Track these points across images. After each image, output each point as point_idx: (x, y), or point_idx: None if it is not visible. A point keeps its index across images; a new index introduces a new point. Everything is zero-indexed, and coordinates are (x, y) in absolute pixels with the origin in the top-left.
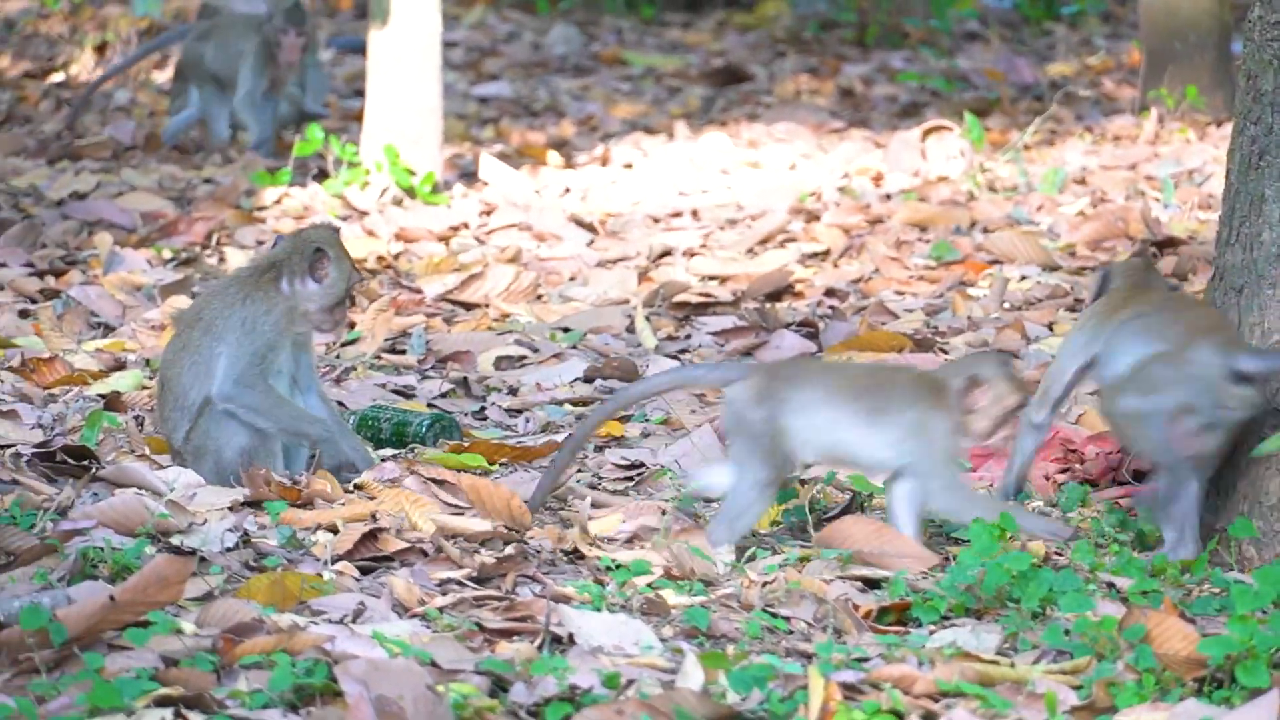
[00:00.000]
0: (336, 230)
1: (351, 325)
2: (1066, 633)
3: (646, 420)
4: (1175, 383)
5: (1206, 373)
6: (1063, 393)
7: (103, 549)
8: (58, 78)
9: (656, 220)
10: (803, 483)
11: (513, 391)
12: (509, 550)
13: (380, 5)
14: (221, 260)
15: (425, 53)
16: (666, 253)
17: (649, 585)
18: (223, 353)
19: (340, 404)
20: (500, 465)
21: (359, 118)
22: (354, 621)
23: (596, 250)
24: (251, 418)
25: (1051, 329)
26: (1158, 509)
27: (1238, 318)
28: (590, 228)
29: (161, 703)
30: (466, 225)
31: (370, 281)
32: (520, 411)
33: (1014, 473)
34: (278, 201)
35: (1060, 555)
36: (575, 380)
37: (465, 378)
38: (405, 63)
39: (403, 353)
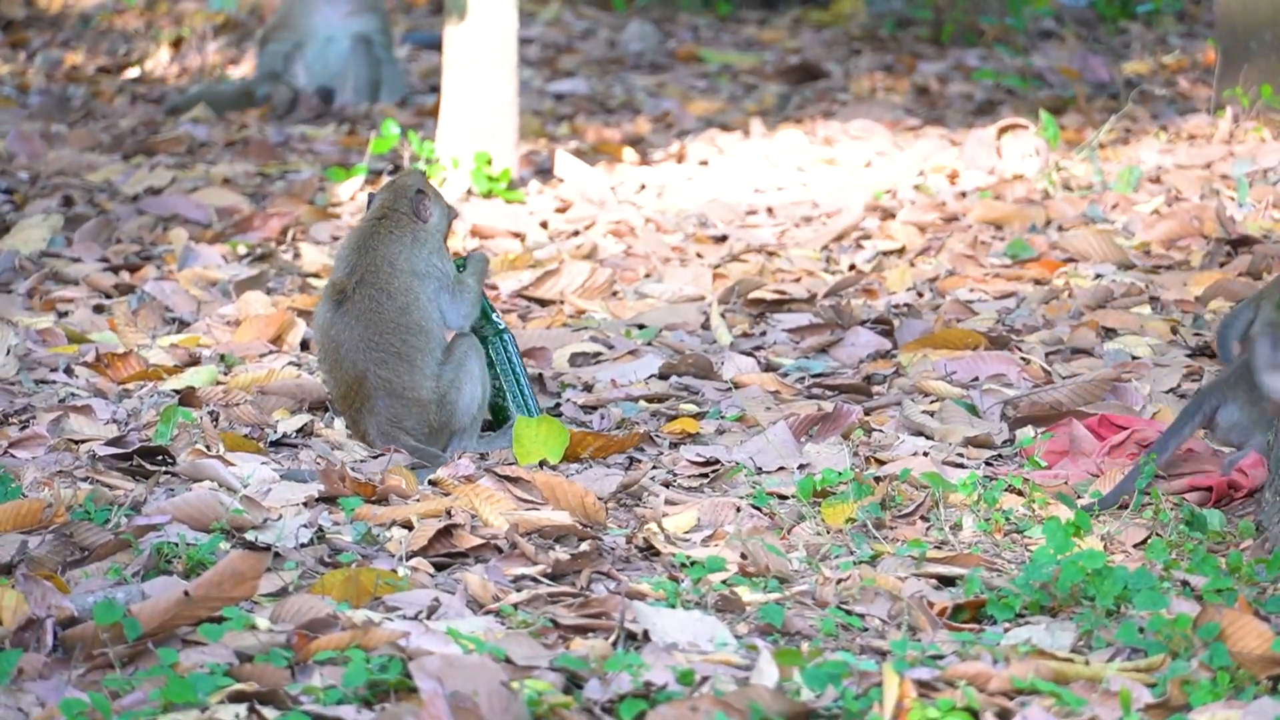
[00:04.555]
0: (424, 172)
1: None
2: (1141, 630)
3: (721, 417)
4: None
5: None
6: None
7: (177, 544)
8: (133, 73)
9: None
10: (877, 480)
11: (588, 388)
12: (583, 547)
13: (457, 1)
14: (296, 256)
15: (501, 49)
16: (742, 249)
17: (723, 582)
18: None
19: None
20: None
21: (434, 113)
22: (428, 618)
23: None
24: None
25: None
26: None
27: None
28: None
29: (236, 698)
30: (546, 225)
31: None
32: (595, 408)
33: None
34: (352, 197)
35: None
36: (650, 377)
37: (540, 374)
38: (481, 59)
39: None
